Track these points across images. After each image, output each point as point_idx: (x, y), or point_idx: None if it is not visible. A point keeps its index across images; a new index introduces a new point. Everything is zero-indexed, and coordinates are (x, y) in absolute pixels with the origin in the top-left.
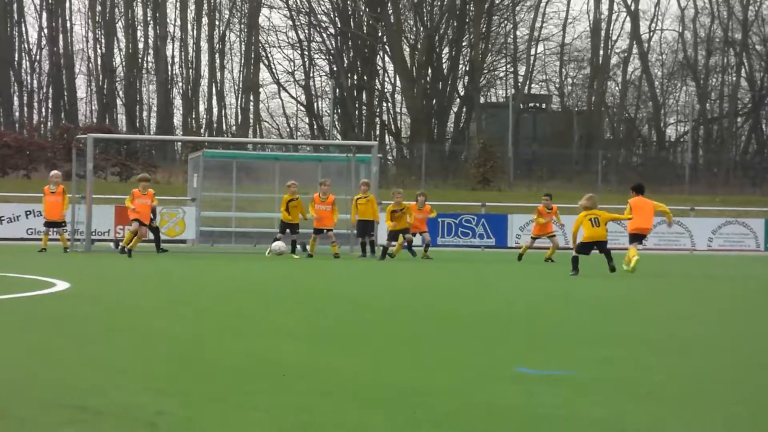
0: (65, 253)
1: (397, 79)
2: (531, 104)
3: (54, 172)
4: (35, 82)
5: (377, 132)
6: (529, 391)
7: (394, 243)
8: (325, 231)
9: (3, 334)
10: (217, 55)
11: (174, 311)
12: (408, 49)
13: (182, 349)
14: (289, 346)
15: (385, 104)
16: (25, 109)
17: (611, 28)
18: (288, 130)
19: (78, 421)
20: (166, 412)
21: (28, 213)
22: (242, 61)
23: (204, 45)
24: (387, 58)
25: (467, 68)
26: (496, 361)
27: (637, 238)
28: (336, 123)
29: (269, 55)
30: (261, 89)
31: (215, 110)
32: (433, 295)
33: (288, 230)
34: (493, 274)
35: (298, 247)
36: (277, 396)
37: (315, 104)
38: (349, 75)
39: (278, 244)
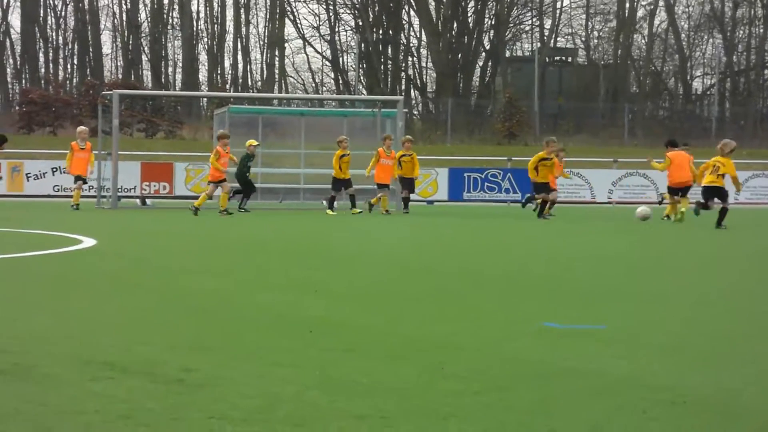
0: (74, 209)
1: (423, 33)
2: (557, 58)
3: (82, 127)
4: (60, 38)
5: (403, 87)
6: (554, 345)
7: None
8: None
9: (29, 291)
10: (242, 10)
11: (200, 267)
12: (433, 3)
13: (208, 305)
14: (315, 302)
15: (410, 59)
16: (51, 65)
17: None
18: (313, 85)
19: (105, 378)
20: (192, 368)
21: (55, 169)
22: (267, 16)
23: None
24: (412, 12)
25: (493, 22)
26: (522, 317)
27: (677, 191)
28: (361, 78)
29: (294, 9)
30: (286, 44)
31: (240, 66)
32: (459, 251)
33: (342, 187)
34: (520, 229)
35: (360, 202)
36: (303, 351)
37: (340, 59)
38: (374, 29)
39: (644, 210)
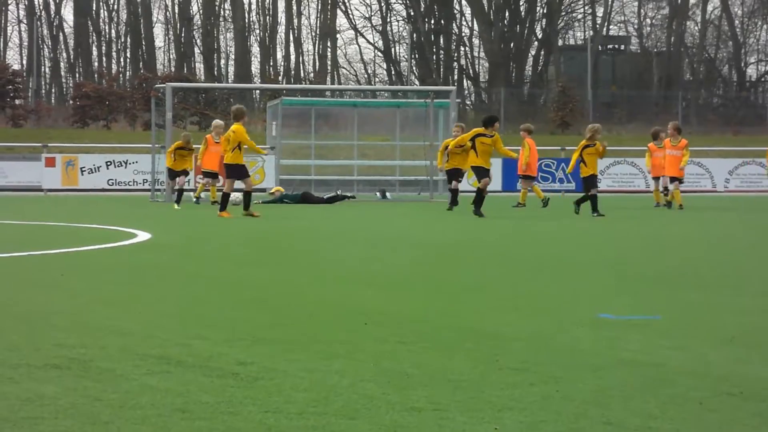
0: (197, 203)
1: (475, 22)
2: (609, 46)
3: (218, 121)
4: (113, 31)
5: (455, 77)
6: (611, 336)
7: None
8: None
9: (85, 285)
10: (293, 1)
11: (254, 260)
12: None
13: (262, 298)
14: (370, 293)
15: (462, 48)
16: (104, 59)
17: None
18: (366, 76)
19: (160, 372)
20: (247, 361)
21: (109, 163)
22: (319, 7)
23: None
24: (464, 1)
25: (545, 10)
26: (577, 307)
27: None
28: (414, 68)
29: (346, 0)
30: (338, 35)
31: (293, 57)
32: (513, 240)
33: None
34: (573, 218)
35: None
36: (358, 343)
37: (392, 50)
38: (426, 19)
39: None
